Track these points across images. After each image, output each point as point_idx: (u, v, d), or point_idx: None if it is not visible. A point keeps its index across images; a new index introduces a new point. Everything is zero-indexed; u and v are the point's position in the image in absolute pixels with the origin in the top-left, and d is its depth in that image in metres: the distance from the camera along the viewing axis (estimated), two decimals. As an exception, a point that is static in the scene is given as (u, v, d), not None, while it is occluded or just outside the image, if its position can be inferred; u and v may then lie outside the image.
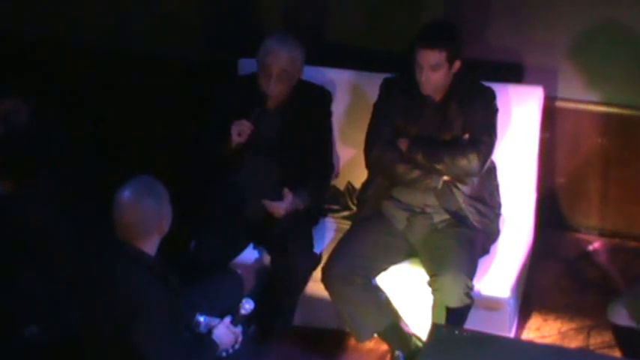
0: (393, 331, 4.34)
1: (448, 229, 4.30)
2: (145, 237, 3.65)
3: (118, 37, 5.42)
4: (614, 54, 4.70)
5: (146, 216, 3.62)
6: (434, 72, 4.17)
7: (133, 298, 3.54)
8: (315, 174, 4.54)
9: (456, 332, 3.75)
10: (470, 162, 4.19)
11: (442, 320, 4.09)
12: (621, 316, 3.92)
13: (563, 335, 4.55)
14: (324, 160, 4.62)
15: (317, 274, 4.33)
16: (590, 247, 5.00)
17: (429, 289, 4.15)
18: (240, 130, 4.38)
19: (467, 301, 4.10)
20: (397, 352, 4.33)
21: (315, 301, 4.40)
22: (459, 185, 4.28)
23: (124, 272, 3.61)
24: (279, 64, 4.36)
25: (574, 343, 4.49)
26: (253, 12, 5.16)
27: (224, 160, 4.48)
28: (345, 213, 4.70)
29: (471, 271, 4.14)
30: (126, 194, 3.62)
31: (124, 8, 5.39)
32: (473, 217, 4.30)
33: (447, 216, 4.31)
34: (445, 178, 4.26)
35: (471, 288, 4.11)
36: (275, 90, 4.39)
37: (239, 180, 4.50)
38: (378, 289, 4.35)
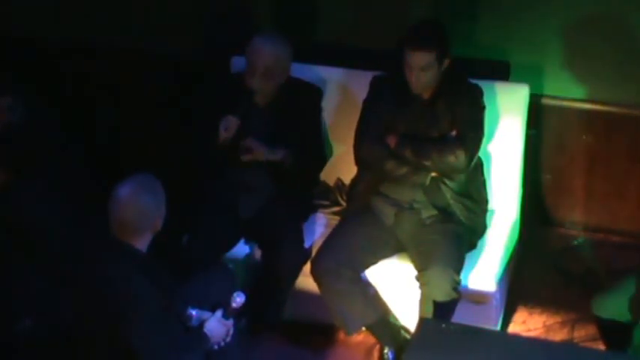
0: (381, 324, 4.36)
1: (436, 224, 4.31)
2: (139, 234, 3.67)
3: (112, 36, 5.41)
4: (599, 51, 4.72)
5: (143, 213, 3.64)
6: (424, 72, 4.18)
7: (123, 295, 3.56)
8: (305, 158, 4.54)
9: (443, 326, 3.76)
10: (457, 158, 4.20)
11: (430, 314, 4.11)
12: (605, 310, 3.95)
13: (548, 328, 4.59)
14: (315, 153, 4.63)
15: (307, 268, 4.35)
16: (575, 242, 5.03)
17: (417, 284, 4.17)
18: (227, 126, 4.39)
19: (454, 295, 4.12)
20: (387, 351, 4.38)
21: (305, 295, 4.42)
22: (447, 181, 4.30)
23: (114, 269, 3.62)
24: (263, 61, 4.38)
25: (559, 336, 4.53)
26: (245, 10, 5.17)
27: (214, 157, 4.49)
28: (335, 208, 4.72)
29: (458, 266, 4.17)
30: (125, 190, 3.64)
31: (119, 7, 5.40)
32: (460, 213, 4.32)
33: (434, 211, 4.34)
34: (433, 174, 4.28)
35: (458, 282, 4.14)
36: (259, 86, 4.40)
37: (230, 176, 4.52)
38: (366, 282, 4.37)
